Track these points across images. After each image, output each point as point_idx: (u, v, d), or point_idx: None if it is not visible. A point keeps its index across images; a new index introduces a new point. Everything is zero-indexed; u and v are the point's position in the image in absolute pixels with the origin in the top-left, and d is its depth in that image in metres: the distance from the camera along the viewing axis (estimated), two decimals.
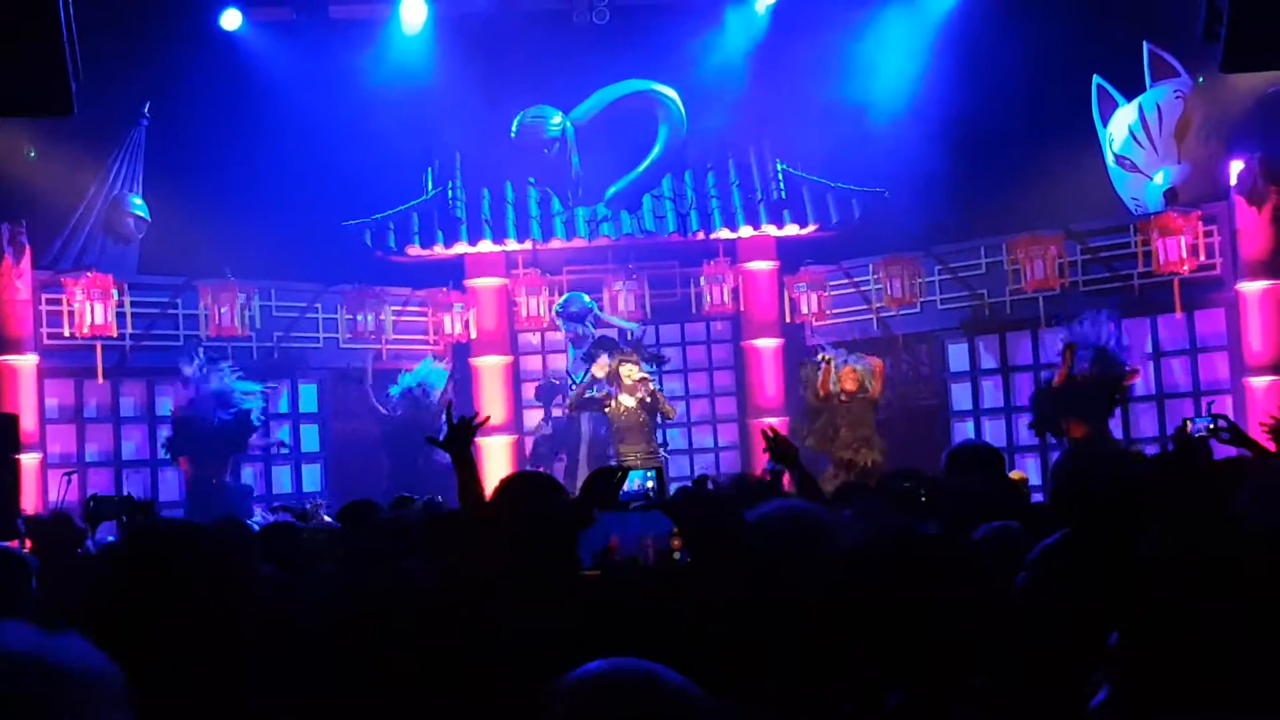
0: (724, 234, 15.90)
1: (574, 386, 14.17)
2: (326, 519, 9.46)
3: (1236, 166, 13.48)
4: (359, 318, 15.42)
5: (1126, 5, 14.31)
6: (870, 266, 15.59)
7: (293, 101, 14.97)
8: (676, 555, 3.78)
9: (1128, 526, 3.35)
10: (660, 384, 14.58)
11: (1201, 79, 14.18)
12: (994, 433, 14.78)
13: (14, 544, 7.91)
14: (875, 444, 13.94)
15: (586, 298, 15.24)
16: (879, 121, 15.14)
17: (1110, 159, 14.94)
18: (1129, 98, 14.71)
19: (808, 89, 15.10)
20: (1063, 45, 14.64)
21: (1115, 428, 13.46)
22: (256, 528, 6.96)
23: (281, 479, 15.28)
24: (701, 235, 15.91)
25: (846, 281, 15.84)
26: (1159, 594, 2.52)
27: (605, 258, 16.08)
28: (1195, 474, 4.73)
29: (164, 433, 14.19)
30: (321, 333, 15.41)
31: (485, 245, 15.83)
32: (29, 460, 12.62)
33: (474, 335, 15.98)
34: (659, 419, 14.05)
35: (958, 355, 15.39)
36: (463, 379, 15.55)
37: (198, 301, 14.60)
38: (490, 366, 15.95)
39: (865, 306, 15.50)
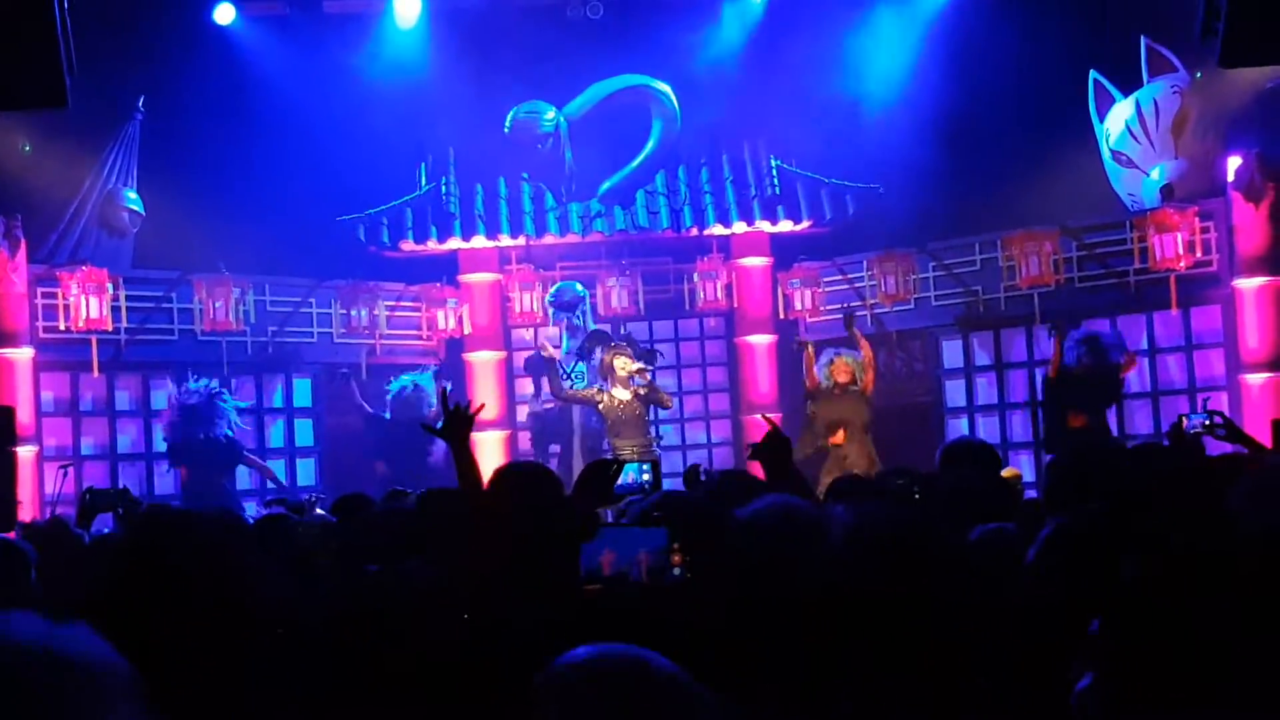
0: (718, 230, 15.90)
1: (567, 375, 14.18)
2: (320, 512, 9.44)
3: (1234, 162, 13.47)
4: (353, 313, 15.40)
5: (1124, 0, 14.33)
6: (864, 263, 15.58)
7: (286, 96, 14.98)
8: (676, 570, 3.74)
9: (1121, 516, 3.35)
10: (653, 379, 14.60)
11: (1199, 74, 14.17)
12: (988, 430, 14.77)
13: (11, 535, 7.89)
14: (868, 446, 13.95)
15: (579, 286, 15.25)
16: (874, 117, 15.16)
17: (1107, 155, 14.94)
18: (1126, 93, 14.70)
19: (802, 84, 15.10)
20: (1060, 40, 14.65)
21: (1110, 424, 13.46)
22: (251, 521, 6.95)
23: (276, 473, 15.24)
24: (695, 231, 15.90)
25: (840, 278, 15.83)
26: (1146, 588, 2.52)
27: (599, 253, 16.07)
28: (1190, 470, 4.73)
29: (160, 429, 14.19)
30: (315, 327, 15.40)
31: (479, 241, 15.83)
32: (25, 453, 12.63)
33: (467, 330, 15.97)
34: (653, 411, 14.07)
35: (952, 352, 15.37)
36: (456, 374, 15.52)
37: (192, 296, 14.58)
38: (483, 362, 15.94)
39: (859, 303, 15.50)
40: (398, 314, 15.79)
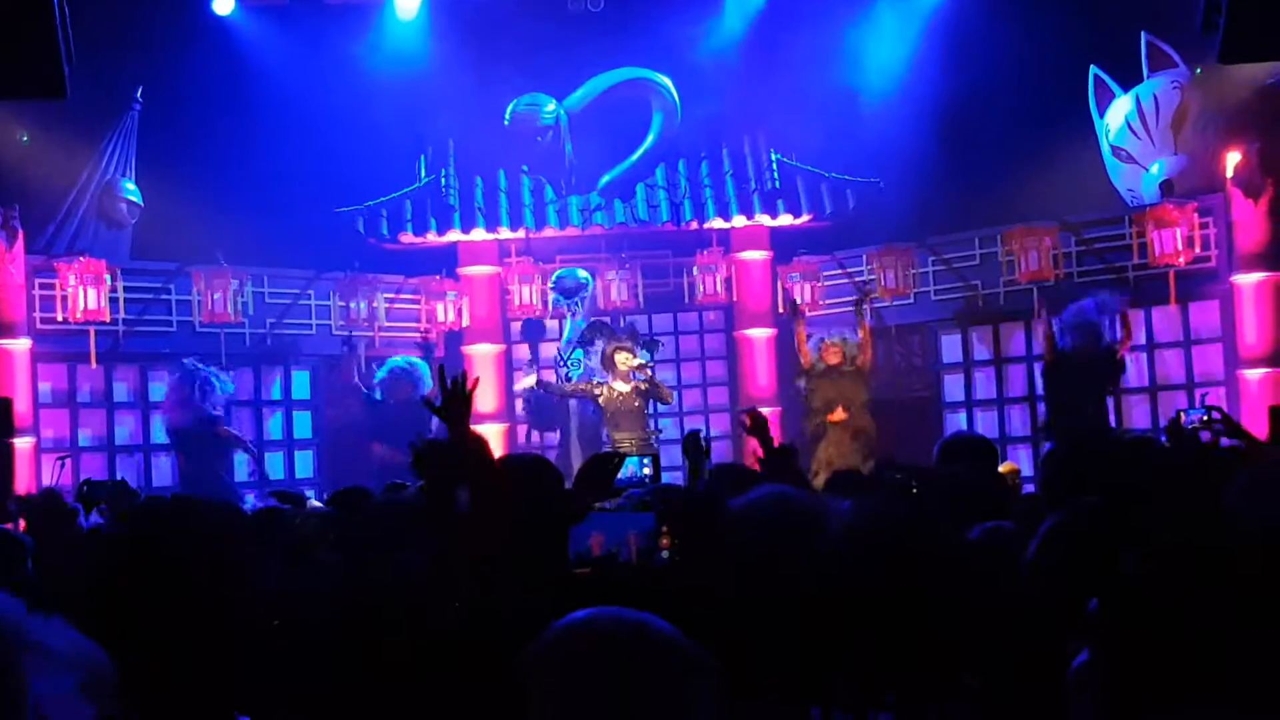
0: (717, 223, 15.89)
1: (564, 366, 14.18)
2: (317, 504, 9.44)
3: (1233, 158, 13.45)
4: (352, 305, 15.39)
5: None
6: (864, 257, 15.57)
7: (285, 87, 14.97)
8: (664, 554, 3.74)
9: (1120, 511, 3.34)
10: (654, 374, 14.63)
11: (1199, 70, 14.18)
12: (986, 424, 14.77)
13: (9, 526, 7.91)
14: (866, 421, 14.05)
15: (581, 272, 15.22)
16: (874, 111, 15.15)
17: (1106, 150, 14.94)
18: (1126, 88, 14.70)
19: (803, 78, 15.09)
20: (1060, 35, 14.65)
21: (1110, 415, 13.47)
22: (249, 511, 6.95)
23: (274, 466, 15.25)
24: (695, 225, 15.89)
25: (840, 272, 15.83)
26: (1145, 583, 2.52)
27: (598, 246, 16.05)
28: (1189, 466, 4.72)
29: (159, 419, 14.20)
30: (314, 319, 15.39)
31: (478, 233, 15.83)
32: (23, 444, 12.65)
33: (466, 323, 15.96)
34: (652, 405, 14.08)
35: (951, 346, 15.37)
36: (455, 367, 15.50)
37: (191, 287, 14.57)
38: (483, 355, 15.93)
39: (869, 287, 15.50)
40: (397, 306, 15.77)
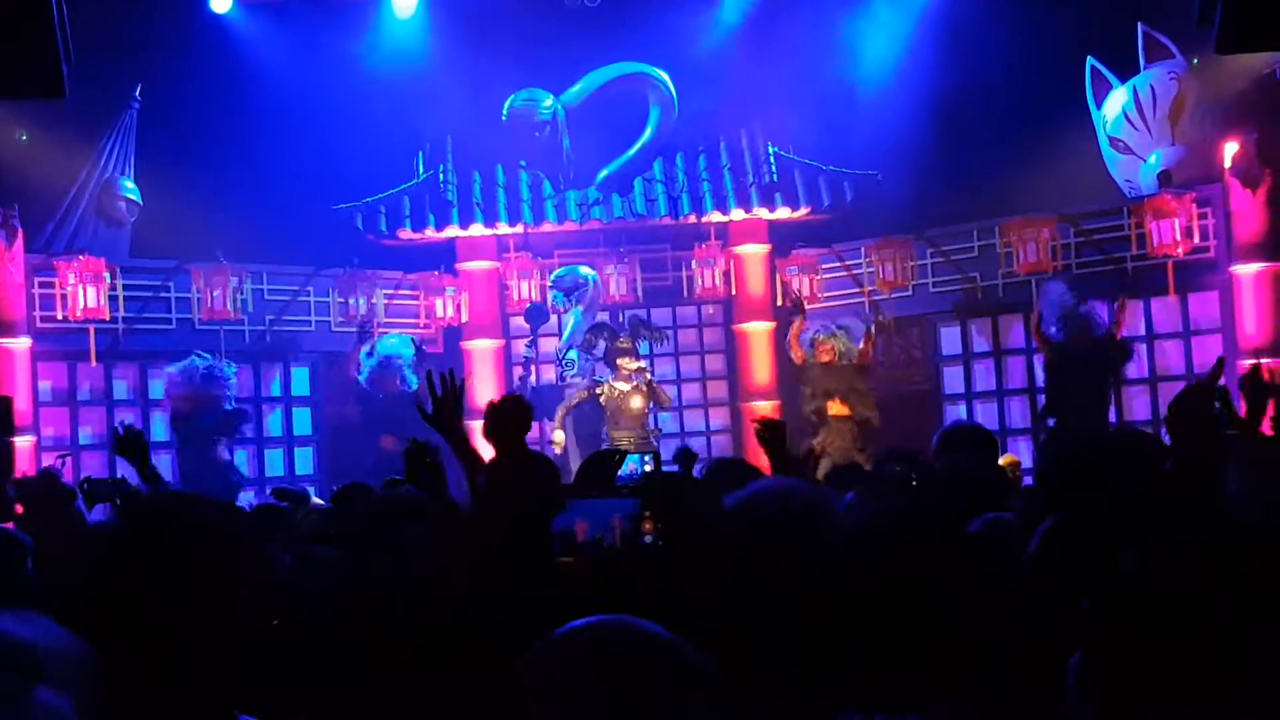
0: (715, 217, 15.88)
1: (563, 362, 14.19)
2: (319, 501, 9.46)
3: (1231, 148, 13.45)
4: (350, 301, 15.39)
5: None
6: (862, 249, 15.58)
7: (284, 84, 14.98)
8: (647, 538, 3.75)
9: (1120, 509, 3.35)
10: (652, 366, 14.66)
11: (1196, 60, 14.17)
12: (986, 416, 14.77)
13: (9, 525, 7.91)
14: (867, 409, 14.10)
15: (583, 269, 15.23)
16: (871, 104, 15.14)
17: (1104, 141, 14.94)
18: (1123, 79, 14.69)
19: (800, 71, 15.11)
20: (1057, 27, 14.64)
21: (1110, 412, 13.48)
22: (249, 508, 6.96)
23: (274, 462, 15.27)
24: (693, 218, 15.88)
25: (838, 265, 15.84)
26: (1146, 581, 2.52)
27: (597, 241, 16.05)
28: (1188, 463, 4.72)
29: (157, 415, 14.21)
30: (313, 316, 15.39)
31: (476, 229, 15.82)
32: (23, 443, 12.63)
33: (465, 319, 15.96)
34: (652, 405, 14.13)
35: (950, 338, 15.38)
36: (455, 363, 15.49)
37: (190, 285, 14.57)
38: (482, 350, 15.93)
39: (857, 290, 15.51)
40: (396, 302, 15.78)
